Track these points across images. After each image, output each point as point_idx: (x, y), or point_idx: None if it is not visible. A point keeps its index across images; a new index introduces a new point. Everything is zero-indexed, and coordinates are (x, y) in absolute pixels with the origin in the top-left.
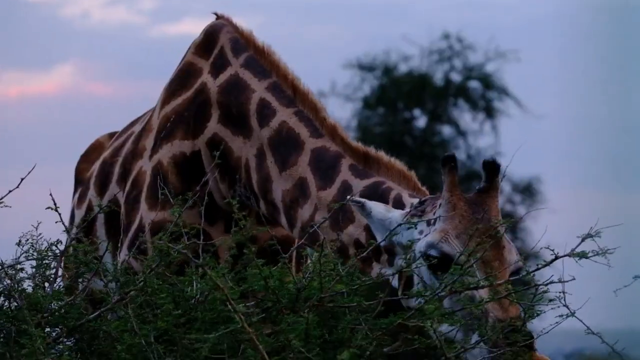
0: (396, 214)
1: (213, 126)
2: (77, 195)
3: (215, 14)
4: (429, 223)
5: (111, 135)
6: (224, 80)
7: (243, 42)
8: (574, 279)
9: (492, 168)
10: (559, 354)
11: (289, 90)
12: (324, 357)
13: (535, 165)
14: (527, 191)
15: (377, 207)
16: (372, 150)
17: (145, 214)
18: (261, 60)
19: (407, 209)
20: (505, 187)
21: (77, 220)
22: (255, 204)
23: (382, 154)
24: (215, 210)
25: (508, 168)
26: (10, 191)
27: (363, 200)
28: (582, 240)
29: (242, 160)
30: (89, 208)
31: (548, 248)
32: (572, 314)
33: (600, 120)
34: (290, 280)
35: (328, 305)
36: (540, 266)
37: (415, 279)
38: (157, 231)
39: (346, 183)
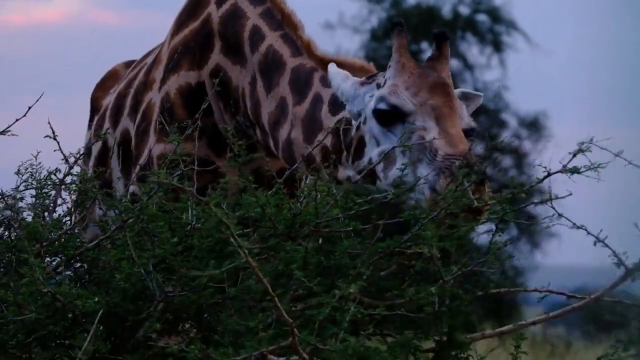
0: (347, 84)
1: (215, 57)
2: (93, 125)
3: None
4: (378, 86)
5: (128, 64)
6: (225, 10)
7: None
8: (570, 194)
9: (441, 37)
10: (563, 289)
11: (279, 15)
12: (323, 284)
13: (542, 101)
14: (533, 126)
15: (339, 83)
16: (339, 56)
17: (154, 146)
18: None
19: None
20: (511, 121)
21: (95, 152)
22: (254, 132)
23: (345, 58)
24: (222, 141)
25: (514, 102)
26: (17, 120)
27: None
28: (574, 156)
29: (239, 89)
30: (105, 141)
31: (541, 165)
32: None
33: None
34: (286, 206)
35: (324, 230)
36: (534, 184)
37: (367, 139)
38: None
39: (317, 95)
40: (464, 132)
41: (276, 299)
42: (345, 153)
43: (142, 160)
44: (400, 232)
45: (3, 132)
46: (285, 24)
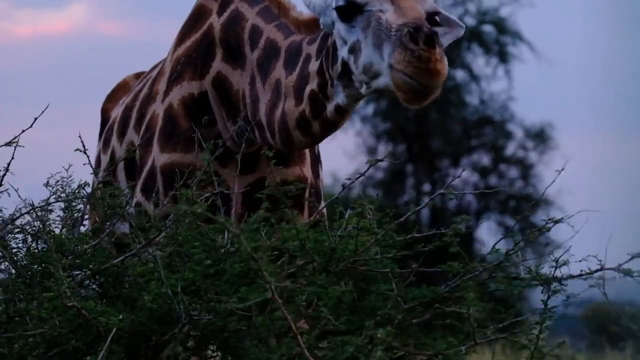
0: None
1: (217, 65)
2: (103, 137)
3: None
4: None
5: (137, 75)
6: (225, 17)
7: None
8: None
9: None
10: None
11: (276, 9)
12: (352, 322)
13: (547, 112)
14: (539, 137)
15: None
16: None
17: (157, 156)
18: None
19: None
20: (517, 132)
21: (104, 163)
22: (254, 136)
23: None
24: (227, 151)
25: (520, 113)
26: (23, 131)
27: None
28: (632, 258)
29: (240, 93)
30: (113, 154)
31: (595, 257)
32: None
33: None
34: (325, 240)
35: (361, 269)
36: (584, 274)
37: (338, 42)
38: (168, 173)
39: (307, 55)
40: (428, 15)
41: (299, 337)
42: (329, 82)
43: (146, 170)
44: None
45: (9, 144)
46: (281, 14)
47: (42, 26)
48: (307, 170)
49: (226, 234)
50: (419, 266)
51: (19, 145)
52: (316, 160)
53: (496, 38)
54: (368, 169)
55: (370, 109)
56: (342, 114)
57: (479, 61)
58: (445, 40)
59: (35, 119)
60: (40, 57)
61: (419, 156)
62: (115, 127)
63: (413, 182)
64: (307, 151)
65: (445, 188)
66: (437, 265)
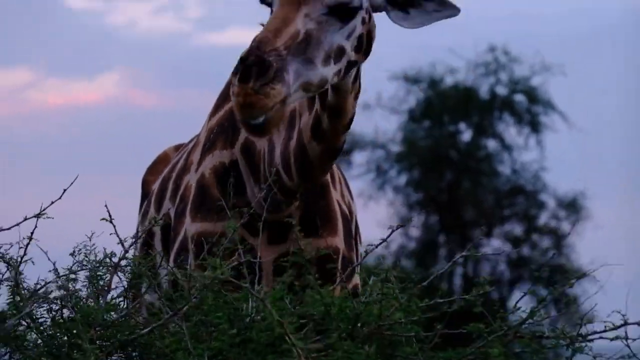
0: None
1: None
2: (142, 209)
3: (262, 24)
4: None
5: (177, 147)
6: None
7: None
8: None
9: None
10: None
11: None
12: None
13: (580, 180)
14: (572, 207)
15: None
16: None
17: (189, 226)
18: None
19: None
20: (549, 202)
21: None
22: (276, 197)
23: None
24: (256, 220)
25: (552, 183)
26: (52, 202)
27: None
28: None
29: (261, 152)
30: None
31: (619, 312)
32: None
33: None
34: (349, 306)
35: (386, 333)
36: (608, 330)
37: None
38: (199, 242)
39: None
40: (333, 8)
41: None
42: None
43: (179, 240)
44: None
45: (39, 215)
46: None
47: (73, 96)
48: (340, 242)
49: (250, 302)
50: (443, 328)
51: (48, 217)
52: (350, 233)
53: (528, 107)
54: (389, 235)
55: (402, 179)
56: (338, 93)
57: (510, 131)
58: (438, 17)
59: (65, 190)
60: (70, 126)
61: (451, 226)
62: (153, 199)
63: (445, 252)
64: (339, 224)
65: (467, 250)
66: (462, 327)
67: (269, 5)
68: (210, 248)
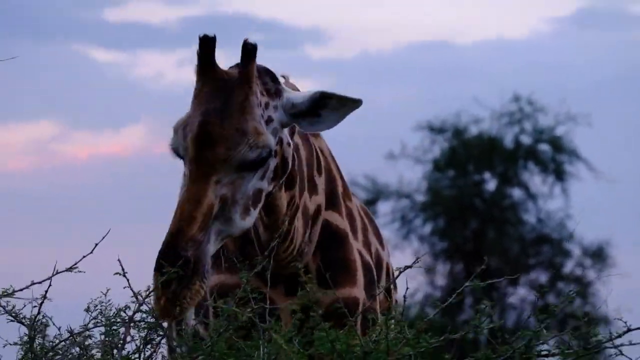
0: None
1: None
2: None
3: (283, 76)
4: None
5: None
6: None
7: None
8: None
9: (245, 51)
10: None
11: None
12: None
13: (606, 229)
14: (598, 255)
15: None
16: None
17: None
18: None
19: None
20: (575, 250)
21: None
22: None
23: None
24: (276, 272)
25: (578, 232)
26: (84, 256)
27: None
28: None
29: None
30: None
31: (620, 320)
32: None
33: None
34: (357, 344)
35: None
36: (613, 338)
37: None
38: (216, 294)
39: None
40: (243, 167)
41: None
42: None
43: None
44: None
45: (70, 269)
46: None
47: (99, 148)
48: (359, 292)
49: (262, 349)
50: (452, 357)
51: (80, 271)
52: (373, 283)
53: (552, 156)
54: (398, 275)
55: (427, 228)
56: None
57: (535, 179)
58: (339, 116)
59: (96, 244)
60: (98, 178)
61: (477, 275)
62: None
63: (471, 301)
64: (358, 274)
65: (470, 280)
66: (470, 355)
67: (176, 153)
68: (226, 298)
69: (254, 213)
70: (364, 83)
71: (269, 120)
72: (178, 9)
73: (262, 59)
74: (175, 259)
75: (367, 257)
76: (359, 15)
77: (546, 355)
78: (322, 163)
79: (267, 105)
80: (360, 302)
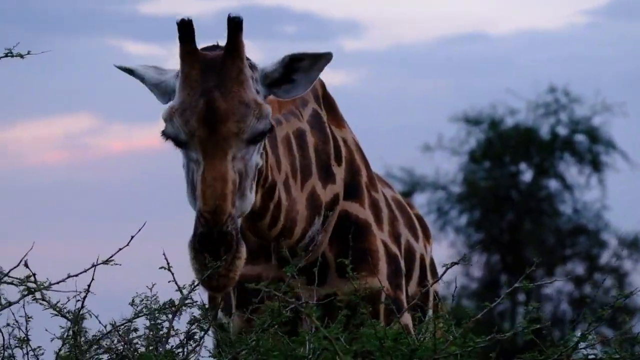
0: (170, 75)
1: None
2: None
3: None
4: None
5: None
6: None
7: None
8: None
9: (232, 25)
10: None
11: None
12: None
13: None
14: (634, 245)
15: (148, 72)
16: None
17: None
18: None
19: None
20: (611, 241)
21: None
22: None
23: None
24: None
25: (614, 222)
26: (120, 249)
27: (133, 66)
28: None
29: None
30: None
31: None
32: None
33: None
34: (404, 341)
35: None
36: None
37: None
38: (239, 286)
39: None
40: (251, 140)
41: None
42: None
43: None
44: None
45: (107, 262)
46: None
47: (135, 141)
48: (382, 281)
49: (307, 345)
50: (498, 357)
51: (116, 264)
52: (398, 273)
53: (589, 147)
54: (444, 272)
55: (463, 220)
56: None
57: (572, 170)
58: (317, 68)
59: (132, 237)
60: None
61: (513, 266)
62: None
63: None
64: (381, 264)
65: (519, 282)
66: (516, 355)
67: (174, 141)
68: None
69: (254, 187)
70: (397, 74)
71: (257, 92)
72: (213, 1)
73: (297, 49)
74: (221, 237)
75: (393, 248)
76: (393, 7)
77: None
78: (343, 153)
79: (253, 79)
80: (381, 292)
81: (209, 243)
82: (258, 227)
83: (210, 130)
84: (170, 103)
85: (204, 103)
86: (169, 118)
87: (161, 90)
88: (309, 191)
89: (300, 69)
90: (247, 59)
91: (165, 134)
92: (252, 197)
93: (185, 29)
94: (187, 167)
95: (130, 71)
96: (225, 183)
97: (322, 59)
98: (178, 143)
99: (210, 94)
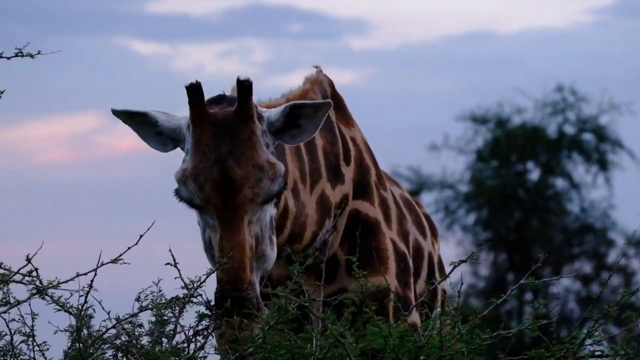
0: (183, 122)
1: None
2: None
3: (315, 67)
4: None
5: None
6: None
7: None
8: None
9: (242, 88)
10: None
11: None
12: None
13: None
14: None
15: (161, 116)
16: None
17: None
18: None
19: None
20: (618, 240)
21: None
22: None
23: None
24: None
25: (621, 221)
26: (129, 247)
27: (140, 110)
28: None
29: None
30: None
31: None
32: None
33: None
34: (410, 338)
35: None
36: None
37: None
38: None
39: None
40: (265, 201)
41: None
42: None
43: None
44: None
45: (115, 261)
46: None
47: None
48: (391, 279)
49: (314, 341)
50: (505, 355)
51: (125, 263)
52: (406, 272)
53: (596, 146)
54: (452, 270)
55: (471, 219)
56: None
57: (579, 169)
58: (319, 119)
59: (141, 236)
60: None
61: (520, 265)
62: None
63: (516, 291)
64: (390, 262)
65: (525, 278)
66: (522, 352)
67: (189, 204)
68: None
69: (274, 239)
70: (405, 73)
71: (267, 146)
72: (219, 0)
73: (303, 48)
74: (240, 303)
75: (402, 246)
76: (401, 6)
77: (600, 357)
78: (352, 153)
79: (263, 133)
80: (392, 290)
81: (228, 308)
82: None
83: (226, 198)
84: (183, 165)
85: (218, 171)
86: (182, 181)
87: (174, 135)
88: (319, 194)
89: (304, 115)
90: (255, 106)
91: (179, 196)
92: (273, 254)
93: (195, 92)
94: (203, 228)
95: (130, 115)
96: (243, 251)
97: (323, 107)
98: (192, 206)
99: (224, 162)
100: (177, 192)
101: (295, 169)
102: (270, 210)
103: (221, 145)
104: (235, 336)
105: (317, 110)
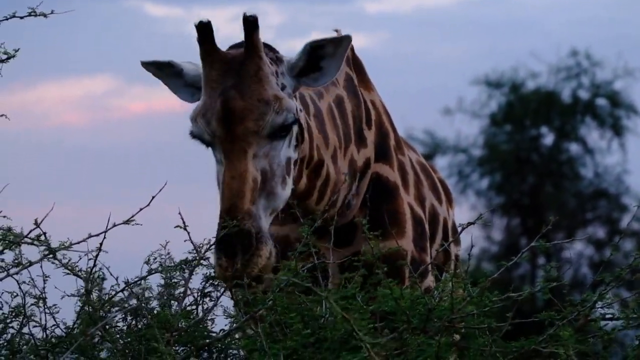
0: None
1: None
2: None
3: (336, 30)
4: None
5: None
6: None
7: None
8: None
9: (248, 24)
10: None
11: None
12: None
13: None
14: None
15: (186, 65)
16: None
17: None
18: None
19: None
20: (632, 205)
21: None
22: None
23: None
24: (323, 224)
25: (635, 186)
26: (141, 209)
27: (166, 60)
28: None
29: None
30: None
31: None
32: None
33: None
34: (420, 301)
35: (459, 326)
36: None
37: None
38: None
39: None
40: (273, 135)
41: None
42: None
43: None
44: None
45: (127, 222)
46: None
47: (155, 103)
48: (407, 244)
49: (324, 304)
50: (514, 317)
51: (137, 224)
52: (423, 236)
53: (610, 111)
54: (460, 232)
55: (484, 183)
56: None
57: (593, 134)
58: (339, 55)
59: (153, 197)
60: (154, 133)
61: (533, 230)
62: None
63: (529, 255)
64: (407, 226)
65: (536, 241)
66: (533, 315)
67: (201, 141)
68: (283, 252)
69: (290, 182)
70: (419, 37)
71: (282, 87)
72: None
73: (318, 12)
74: (238, 235)
75: (419, 211)
76: None
77: (610, 319)
78: (373, 116)
79: (276, 73)
80: (407, 254)
81: (227, 242)
82: (306, 205)
83: (227, 129)
84: (196, 103)
85: (220, 104)
86: (194, 119)
87: (199, 84)
88: (350, 158)
89: (325, 55)
90: (275, 51)
91: (192, 134)
92: (284, 193)
93: (204, 30)
94: (216, 168)
95: (159, 67)
96: (243, 181)
97: (343, 42)
98: (205, 143)
99: (227, 94)
100: (191, 132)
101: (334, 135)
102: (287, 152)
103: (227, 80)
104: (237, 273)
105: (338, 47)
